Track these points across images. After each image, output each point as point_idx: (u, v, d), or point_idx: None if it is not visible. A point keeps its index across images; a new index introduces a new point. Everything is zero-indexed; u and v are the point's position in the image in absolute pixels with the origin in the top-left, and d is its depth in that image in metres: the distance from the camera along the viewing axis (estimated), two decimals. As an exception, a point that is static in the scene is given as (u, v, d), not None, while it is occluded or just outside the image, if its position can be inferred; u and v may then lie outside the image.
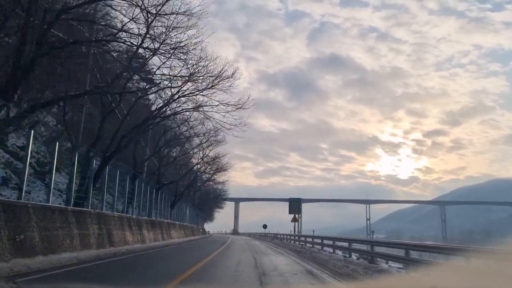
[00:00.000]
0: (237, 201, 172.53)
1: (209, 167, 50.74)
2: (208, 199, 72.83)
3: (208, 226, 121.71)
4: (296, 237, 40.36)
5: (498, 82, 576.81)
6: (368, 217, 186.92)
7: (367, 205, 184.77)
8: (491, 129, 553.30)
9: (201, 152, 44.60)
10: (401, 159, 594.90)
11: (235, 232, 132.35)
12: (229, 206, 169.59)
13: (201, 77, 22.37)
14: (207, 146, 42.40)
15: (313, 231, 66.35)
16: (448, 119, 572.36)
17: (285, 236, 47.76)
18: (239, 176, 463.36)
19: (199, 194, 61.98)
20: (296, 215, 49.69)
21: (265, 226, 64.49)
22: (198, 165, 48.92)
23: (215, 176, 56.76)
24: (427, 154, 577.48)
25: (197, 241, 37.29)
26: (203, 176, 54.82)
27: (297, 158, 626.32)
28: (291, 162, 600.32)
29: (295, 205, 54.19)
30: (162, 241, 28.06)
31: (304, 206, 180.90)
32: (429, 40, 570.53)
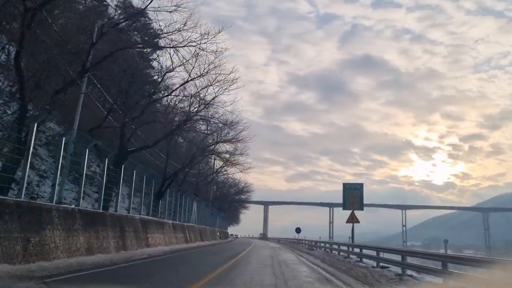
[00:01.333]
0: (266, 204, 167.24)
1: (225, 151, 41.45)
2: (229, 197, 68.19)
3: (234, 230, 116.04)
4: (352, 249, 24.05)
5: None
6: (404, 223, 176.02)
7: (403, 211, 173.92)
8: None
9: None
10: (436, 164, 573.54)
11: (263, 236, 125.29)
12: (258, 210, 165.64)
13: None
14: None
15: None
16: (486, 123, 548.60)
17: (326, 245, 33.68)
18: (269, 180, 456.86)
19: (214, 189, 54.79)
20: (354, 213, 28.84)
21: (298, 230, 52.87)
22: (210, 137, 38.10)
23: (234, 163, 44.78)
24: (464, 159, 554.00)
25: (198, 250, 25.90)
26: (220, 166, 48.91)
27: (328, 162, 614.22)
28: (322, 166, 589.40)
29: (354, 194, 30.87)
30: (121, 252, 16.53)
31: (336, 211, 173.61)
32: (466, 41, 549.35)
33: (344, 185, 31.94)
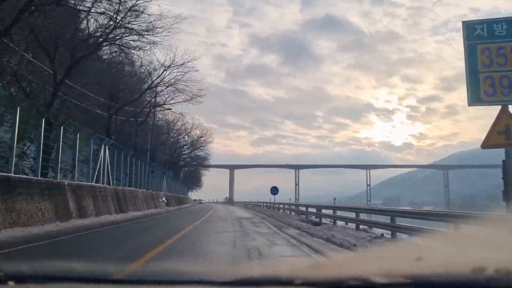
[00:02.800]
0: (231, 168, 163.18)
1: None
2: (179, 151, 59.10)
3: (198, 194, 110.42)
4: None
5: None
6: (368, 183, 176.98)
7: (368, 170, 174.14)
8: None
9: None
10: (395, 125, 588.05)
11: (229, 200, 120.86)
12: (223, 175, 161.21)
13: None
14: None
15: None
16: (443, 85, 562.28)
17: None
18: (234, 145, 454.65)
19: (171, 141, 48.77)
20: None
21: (275, 191, 35.59)
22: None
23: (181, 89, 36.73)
24: (421, 120, 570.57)
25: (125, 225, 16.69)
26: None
27: (292, 126, 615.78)
28: (286, 130, 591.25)
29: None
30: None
31: (300, 173, 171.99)
32: (425, 3, 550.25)
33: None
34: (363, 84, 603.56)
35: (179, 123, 48.59)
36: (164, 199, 32.91)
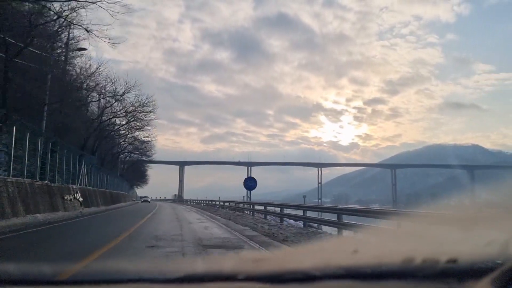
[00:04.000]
0: (181, 164, 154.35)
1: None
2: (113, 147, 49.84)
3: (144, 191, 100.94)
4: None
5: (434, 53, 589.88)
6: (320, 181, 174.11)
7: (319, 168, 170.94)
8: (426, 99, 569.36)
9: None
10: (343, 126, 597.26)
11: (178, 198, 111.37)
12: (173, 171, 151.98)
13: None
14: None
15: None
16: (387, 88, 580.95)
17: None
18: (184, 142, 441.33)
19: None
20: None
21: (250, 184, 26.97)
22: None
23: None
24: (367, 122, 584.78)
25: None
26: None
27: (243, 124, 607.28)
28: (237, 128, 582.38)
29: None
30: None
31: (251, 171, 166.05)
32: (373, 8, 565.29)
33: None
34: (313, 85, 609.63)
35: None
36: (77, 196, 22.40)
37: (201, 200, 55.68)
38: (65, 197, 20.41)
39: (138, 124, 42.88)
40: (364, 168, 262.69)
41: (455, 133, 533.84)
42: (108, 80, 33.70)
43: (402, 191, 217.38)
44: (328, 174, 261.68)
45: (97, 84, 30.56)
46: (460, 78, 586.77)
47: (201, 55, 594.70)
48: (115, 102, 35.78)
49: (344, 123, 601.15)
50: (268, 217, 20.17)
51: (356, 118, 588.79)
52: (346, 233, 11.92)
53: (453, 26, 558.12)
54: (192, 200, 69.70)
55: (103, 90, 32.68)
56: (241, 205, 29.48)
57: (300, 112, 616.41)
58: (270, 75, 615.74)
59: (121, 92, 35.29)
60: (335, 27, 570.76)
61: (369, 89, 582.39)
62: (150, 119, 42.61)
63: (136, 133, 47.06)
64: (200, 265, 1.43)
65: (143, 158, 65.31)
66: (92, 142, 33.89)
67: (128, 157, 62.78)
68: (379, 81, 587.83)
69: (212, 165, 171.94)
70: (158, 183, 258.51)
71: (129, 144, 53.59)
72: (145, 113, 40.47)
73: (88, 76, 29.88)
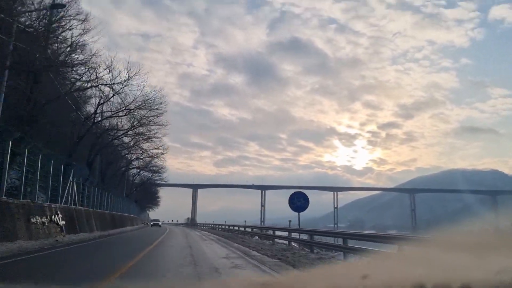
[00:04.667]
0: (195, 187, 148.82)
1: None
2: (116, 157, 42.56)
3: (156, 214, 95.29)
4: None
5: (449, 77, 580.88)
6: (336, 205, 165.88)
7: (335, 193, 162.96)
8: (441, 123, 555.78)
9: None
10: (357, 150, 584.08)
11: (191, 222, 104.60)
12: (187, 194, 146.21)
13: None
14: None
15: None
16: (401, 112, 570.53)
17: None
18: (198, 165, 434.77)
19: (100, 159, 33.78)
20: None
21: (300, 205, 21.01)
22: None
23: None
24: (381, 146, 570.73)
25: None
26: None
27: (256, 147, 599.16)
28: (250, 152, 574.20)
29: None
30: None
31: (266, 194, 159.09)
32: (385, 34, 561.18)
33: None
34: (326, 109, 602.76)
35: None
36: (55, 218, 16.18)
37: (217, 225, 48.71)
38: (33, 220, 14.15)
39: (144, 130, 34.94)
40: (379, 192, 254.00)
41: (472, 158, 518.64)
42: (103, 65, 25.47)
43: (420, 217, 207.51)
44: (342, 198, 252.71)
45: (87, 61, 22.16)
46: (476, 102, 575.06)
47: (214, 79, 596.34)
48: (112, 96, 27.45)
49: (358, 147, 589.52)
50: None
51: (370, 142, 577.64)
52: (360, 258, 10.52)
53: (467, 51, 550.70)
54: (205, 224, 62.63)
55: (94, 72, 24.02)
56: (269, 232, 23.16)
57: (314, 136, 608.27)
58: (283, 99, 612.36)
59: (119, 80, 26.90)
60: (348, 52, 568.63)
61: (383, 113, 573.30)
62: (160, 125, 34.68)
63: (145, 145, 40.17)
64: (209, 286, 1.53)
65: (153, 176, 58.60)
66: (87, 150, 27.83)
67: (137, 175, 56.66)
68: (393, 105, 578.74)
69: (225, 188, 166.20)
70: (171, 206, 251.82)
71: (137, 158, 46.06)
72: (153, 116, 32.32)
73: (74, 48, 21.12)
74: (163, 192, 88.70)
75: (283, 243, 19.48)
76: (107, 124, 32.50)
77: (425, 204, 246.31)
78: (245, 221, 63.94)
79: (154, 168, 51.48)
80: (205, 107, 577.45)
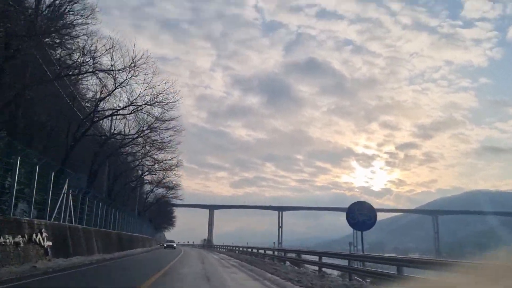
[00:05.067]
0: (211, 208, 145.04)
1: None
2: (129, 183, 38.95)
3: (171, 235, 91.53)
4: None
5: (468, 97, 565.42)
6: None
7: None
8: (460, 143, 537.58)
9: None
10: (375, 171, 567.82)
11: (207, 243, 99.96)
12: (203, 215, 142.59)
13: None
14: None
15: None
16: (419, 133, 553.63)
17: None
18: (214, 186, 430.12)
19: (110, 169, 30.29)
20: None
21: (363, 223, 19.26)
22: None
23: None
24: (400, 167, 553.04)
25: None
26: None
27: (273, 168, 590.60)
28: (267, 172, 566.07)
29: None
30: None
31: (284, 215, 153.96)
32: (402, 54, 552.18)
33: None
34: (343, 129, 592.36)
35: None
36: (38, 238, 12.85)
37: (236, 247, 44.16)
38: (2, 240, 10.34)
39: (155, 137, 30.58)
40: (399, 214, 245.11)
41: (494, 178, 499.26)
42: (103, 48, 20.23)
43: (442, 240, 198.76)
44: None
45: (78, 36, 17.57)
46: (496, 122, 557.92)
47: (231, 101, 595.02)
48: (116, 88, 22.41)
49: (376, 168, 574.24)
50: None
51: (388, 163, 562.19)
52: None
53: (486, 70, 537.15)
54: (223, 246, 57.86)
55: (90, 54, 19.07)
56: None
57: (331, 157, 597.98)
58: (299, 120, 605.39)
59: (120, 66, 21.59)
60: (364, 72, 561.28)
61: (401, 133, 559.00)
62: (174, 131, 30.33)
63: (158, 155, 36.21)
64: None
65: (168, 193, 54.58)
66: (90, 160, 24.15)
67: (150, 192, 52.73)
68: (410, 125, 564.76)
69: (241, 209, 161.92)
70: (187, 227, 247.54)
71: (149, 171, 41.57)
72: (166, 120, 28.14)
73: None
74: (179, 212, 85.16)
75: (322, 271, 15.33)
76: (113, 129, 28.70)
77: (446, 227, 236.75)
78: (274, 243, 58.79)
79: (168, 184, 47.81)
80: (222, 128, 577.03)
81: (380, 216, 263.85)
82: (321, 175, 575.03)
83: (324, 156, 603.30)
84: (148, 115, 26.50)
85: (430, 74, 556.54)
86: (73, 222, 17.90)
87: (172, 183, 48.05)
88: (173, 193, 54.65)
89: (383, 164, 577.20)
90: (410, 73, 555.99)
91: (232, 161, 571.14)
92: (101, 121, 26.31)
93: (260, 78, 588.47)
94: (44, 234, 13.58)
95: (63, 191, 16.30)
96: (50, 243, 13.99)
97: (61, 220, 16.48)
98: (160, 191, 52.87)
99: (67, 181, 16.47)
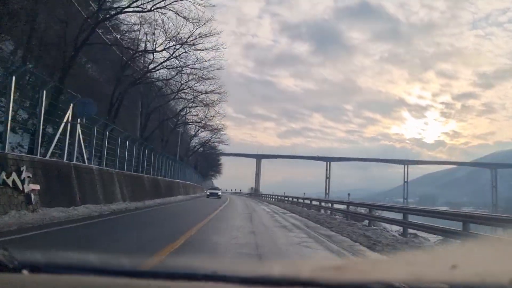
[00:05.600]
0: (258, 157, 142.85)
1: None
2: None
3: (220, 182, 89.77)
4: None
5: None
6: (406, 179, 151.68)
7: (405, 166, 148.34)
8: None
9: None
10: (428, 122, 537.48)
11: (254, 192, 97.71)
12: (249, 165, 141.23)
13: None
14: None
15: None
16: (480, 82, 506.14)
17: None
18: (261, 136, 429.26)
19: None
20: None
21: None
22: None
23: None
24: (456, 118, 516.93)
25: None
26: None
27: (321, 119, 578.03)
28: (314, 123, 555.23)
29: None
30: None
31: (331, 167, 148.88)
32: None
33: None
34: (396, 78, 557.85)
35: None
36: (15, 179, 8.74)
37: (286, 197, 39.41)
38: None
39: (189, 56, 24.80)
40: (451, 168, 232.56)
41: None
42: None
43: (501, 195, 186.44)
44: (411, 172, 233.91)
45: None
46: None
47: (279, 49, 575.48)
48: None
49: (429, 120, 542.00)
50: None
51: (443, 114, 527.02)
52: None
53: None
54: (272, 195, 53.16)
55: None
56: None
57: (381, 108, 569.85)
58: (349, 68, 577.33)
59: None
60: (422, 17, 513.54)
61: (459, 83, 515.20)
62: (214, 50, 24.57)
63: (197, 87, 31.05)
64: (277, 267, 1.25)
65: (213, 138, 50.39)
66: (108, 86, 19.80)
67: (194, 137, 48.82)
68: (470, 74, 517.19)
69: (288, 160, 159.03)
70: (235, 175, 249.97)
71: (187, 106, 36.37)
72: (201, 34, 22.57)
73: None
74: (226, 161, 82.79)
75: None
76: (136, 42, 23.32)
77: (504, 181, 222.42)
78: (348, 194, 53.04)
79: (213, 126, 43.57)
80: (269, 78, 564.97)
81: (432, 169, 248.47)
82: (370, 126, 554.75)
83: (374, 106, 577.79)
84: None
85: (495, 17, 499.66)
86: (85, 162, 13.80)
87: (216, 126, 43.90)
88: (218, 138, 50.87)
89: (438, 115, 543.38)
90: (474, 17, 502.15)
91: (279, 111, 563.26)
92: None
93: (309, 24, 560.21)
94: (25, 175, 9.33)
95: (66, 118, 11.98)
96: (37, 187, 9.77)
97: (65, 157, 12.33)
98: (204, 134, 49.16)
99: (70, 106, 12.11)
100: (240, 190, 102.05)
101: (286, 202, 35.38)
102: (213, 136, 49.83)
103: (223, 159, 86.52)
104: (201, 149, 54.05)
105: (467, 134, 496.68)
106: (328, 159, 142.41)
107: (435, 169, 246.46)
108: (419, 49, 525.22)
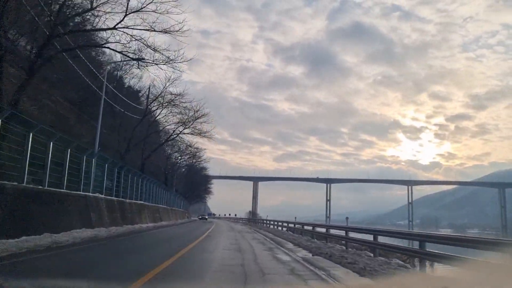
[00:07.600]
0: (255, 180, 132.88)
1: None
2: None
3: (212, 207, 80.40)
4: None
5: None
6: (410, 200, 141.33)
7: (409, 187, 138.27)
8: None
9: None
10: (423, 144, 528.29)
11: (252, 216, 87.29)
12: (246, 189, 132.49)
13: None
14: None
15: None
16: (473, 103, 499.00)
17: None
18: (258, 160, 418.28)
19: None
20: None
21: None
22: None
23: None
24: (450, 139, 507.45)
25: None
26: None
27: (316, 142, 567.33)
28: (310, 146, 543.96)
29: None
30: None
31: (333, 187, 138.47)
32: (455, 19, 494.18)
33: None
34: (390, 101, 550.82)
35: None
36: None
37: (299, 224, 27.10)
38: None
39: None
40: (450, 189, 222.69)
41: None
42: None
43: (496, 216, 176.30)
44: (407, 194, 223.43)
45: None
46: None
47: (273, 73, 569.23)
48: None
49: (424, 141, 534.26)
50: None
51: (437, 135, 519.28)
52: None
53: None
54: (275, 221, 36.98)
55: None
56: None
57: (376, 130, 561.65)
58: (344, 91, 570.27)
59: None
60: (413, 40, 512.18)
61: (452, 104, 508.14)
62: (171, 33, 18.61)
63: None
64: None
65: (195, 161, 42.03)
66: None
67: (180, 160, 40.17)
68: (463, 95, 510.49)
69: (285, 182, 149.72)
70: (231, 200, 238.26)
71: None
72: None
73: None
74: (220, 184, 73.75)
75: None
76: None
77: (508, 202, 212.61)
78: (347, 218, 43.73)
79: (196, 150, 36.25)
80: (264, 101, 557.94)
81: (429, 190, 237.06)
82: (366, 149, 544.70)
83: (370, 129, 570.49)
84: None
85: (485, 40, 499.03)
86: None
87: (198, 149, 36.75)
88: (200, 160, 42.78)
89: (432, 136, 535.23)
90: (464, 39, 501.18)
91: (275, 135, 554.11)
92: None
93: (303, 47, 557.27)
94: None
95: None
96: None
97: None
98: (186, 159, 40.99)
99: None
100: (236, 215, 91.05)
101: (296, 229, 25.07)
102: (194, 159, 42.02)
103: (219, 183, 77.27)
104: (187, 172, 45.55)
105: (462, 156, 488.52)
106: (328, 181, 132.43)
107: (432, 190, 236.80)
108: (412, 71, 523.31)
